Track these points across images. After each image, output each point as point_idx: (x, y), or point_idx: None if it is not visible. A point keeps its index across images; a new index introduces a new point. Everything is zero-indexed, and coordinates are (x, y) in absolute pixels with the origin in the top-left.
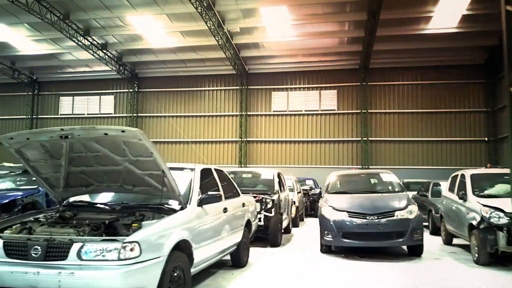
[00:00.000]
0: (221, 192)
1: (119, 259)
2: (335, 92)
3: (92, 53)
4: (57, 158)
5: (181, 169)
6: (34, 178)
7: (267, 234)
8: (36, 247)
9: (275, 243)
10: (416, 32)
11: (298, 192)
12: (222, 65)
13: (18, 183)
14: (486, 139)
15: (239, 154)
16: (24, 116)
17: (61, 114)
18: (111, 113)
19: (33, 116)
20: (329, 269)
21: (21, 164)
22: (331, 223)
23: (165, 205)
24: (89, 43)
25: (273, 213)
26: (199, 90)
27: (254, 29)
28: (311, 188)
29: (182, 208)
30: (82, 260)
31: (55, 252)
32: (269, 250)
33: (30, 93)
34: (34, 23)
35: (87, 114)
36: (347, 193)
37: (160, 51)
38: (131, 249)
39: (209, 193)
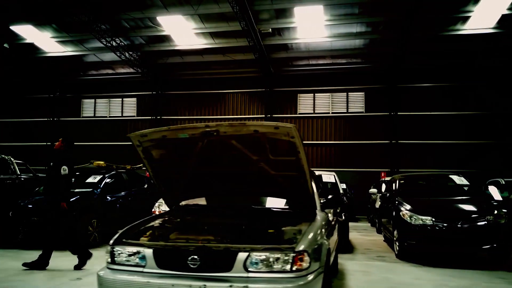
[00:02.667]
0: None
1: (291, 271)
2: (362, 94)
3: (119, 54)
4: (186, 158)
5: None
6: (93, 180)
7: None
8: (194, 256)
9: (346, 248)
10: (451, 32)
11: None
12: (248, 67)
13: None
14: None
15: None
16: (45, 119)
17: (82, 117)
18: (134, 116)
19: (54, 119)
20: (431, 277)
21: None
22: (415, 227)
23: (291, 209)
24: (116, 44)
25: (343, 217)
26: (224, 92)
27: (285, 30)
28: (346, 192)
29: (312, 213)
30: (248, 271)
31: (217, 262)
32: (342, 256)
33: (51, 95)
34: (61, 23)
35: (109, 116)
36: (421, 196)
37: (186, 52)
38: (302, 259)
39: (330, 197)
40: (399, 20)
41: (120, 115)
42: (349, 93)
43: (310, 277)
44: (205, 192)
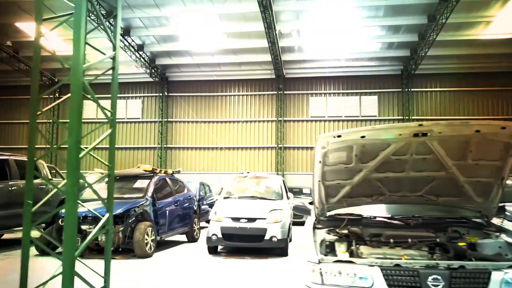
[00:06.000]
0: None
1: None
2: (375, 98)
3: (130, 54)
4: (364, 163)
5: None
6: (141, 185)
7: None
8: (435, 277)
9: None
10: (471, 37)
11: None
12: (259, 69)
13: (120, 191)
14: None
15: (276, 160)
16: (45, 121)
17: (83, 119)
18: (139, 118)
19: (54, 121)
20: None
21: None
22: None
23: (469, 218)
24: (128, 44)
25: None
26: (233, 95)
27: (305, 31)
28: None
29: (489, 222)
30: None
31: (466, 283)
32: None
33: (51, 96)
34: (71, 21)
35: None
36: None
37: (197, 53)
38: None
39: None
40: (420, 24)
41: (124, 117)
42: (362, 97)
43: None
44: (380, 200)
